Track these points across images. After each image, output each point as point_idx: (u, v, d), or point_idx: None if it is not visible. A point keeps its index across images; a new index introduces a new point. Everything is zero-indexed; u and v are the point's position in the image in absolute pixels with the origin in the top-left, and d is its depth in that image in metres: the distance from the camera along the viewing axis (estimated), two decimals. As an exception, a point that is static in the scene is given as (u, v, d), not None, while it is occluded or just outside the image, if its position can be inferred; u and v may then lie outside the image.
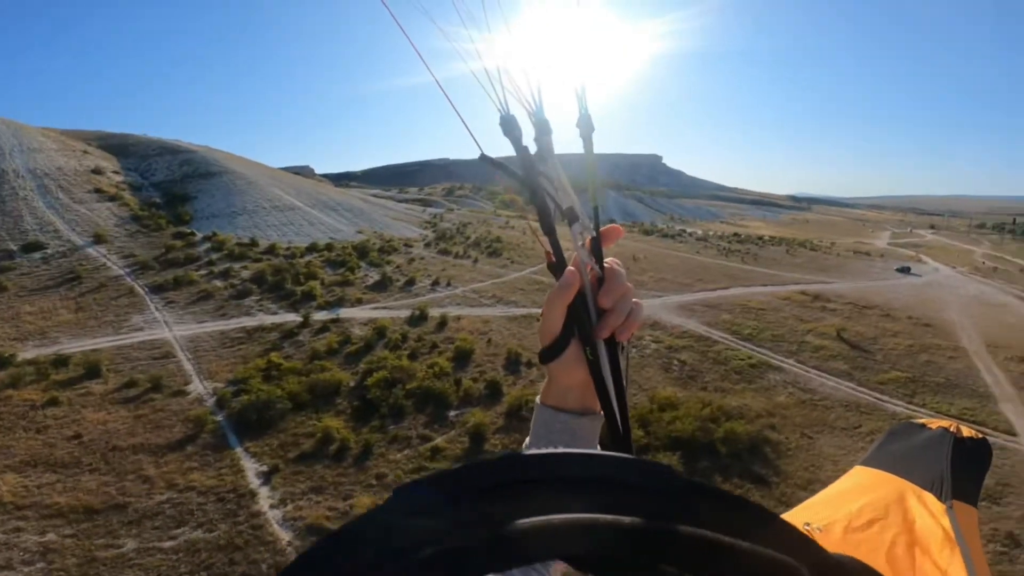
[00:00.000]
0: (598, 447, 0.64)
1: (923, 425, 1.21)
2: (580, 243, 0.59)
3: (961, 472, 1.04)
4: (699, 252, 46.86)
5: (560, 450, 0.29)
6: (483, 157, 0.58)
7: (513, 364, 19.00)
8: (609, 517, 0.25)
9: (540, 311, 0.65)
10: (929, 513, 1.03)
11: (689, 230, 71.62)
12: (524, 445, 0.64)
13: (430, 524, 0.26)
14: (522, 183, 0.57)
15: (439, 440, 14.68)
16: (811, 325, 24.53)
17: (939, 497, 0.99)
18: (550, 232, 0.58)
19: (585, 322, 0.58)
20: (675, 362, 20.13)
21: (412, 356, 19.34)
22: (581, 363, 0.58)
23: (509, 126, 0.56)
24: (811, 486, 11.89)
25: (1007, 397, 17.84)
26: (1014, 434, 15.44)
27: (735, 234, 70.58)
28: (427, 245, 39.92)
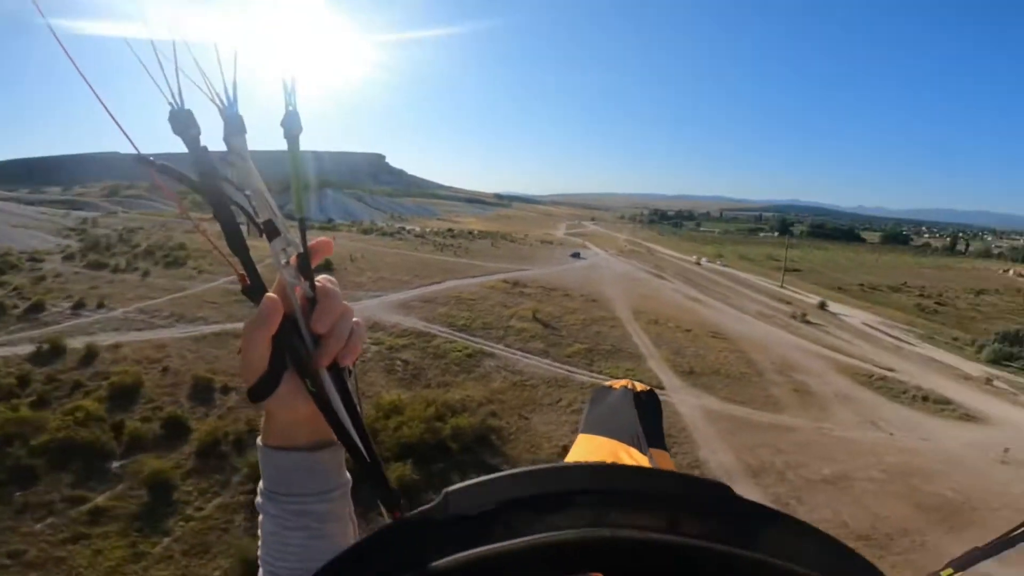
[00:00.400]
0: (348, 476, 0.58)
1: (610, 387, 1.30)
2: (284, 261, 0.51)
3: (646, 422, 1.12)
4: (417, 249, 48.09)
5: (613, 464, 0.29)
6: (140, 158, 0.46)
7: (202, 393, 15.48)
8: (656, 536, 0.24)
9: (240, 327, 0.55)
10: (636, 463, 1.10)
11: (408, 227, 73.57)
12: (259, 489, 0.56)
13: (467, 530, 0.25)
14: (200, 192, 0.47)
15: (100, 499, 11.09)
16: (513, 310, 27.40)
17: (640, 450, 1.04)
18: (240, 250, 0.49)
19: (300, 352, 0.51)
20: (398, 362, 19.68)
21: (40, 403, 13.95)
22: (303, 395, 0.52)
23: (182, 123, 0.45)
24: (538, 465, 12.83)
25: (652, 356, 23.18)
26: (663, 388, 19.68)
27: (449, 230, 75.40)
28: (68, 258, 30.05)
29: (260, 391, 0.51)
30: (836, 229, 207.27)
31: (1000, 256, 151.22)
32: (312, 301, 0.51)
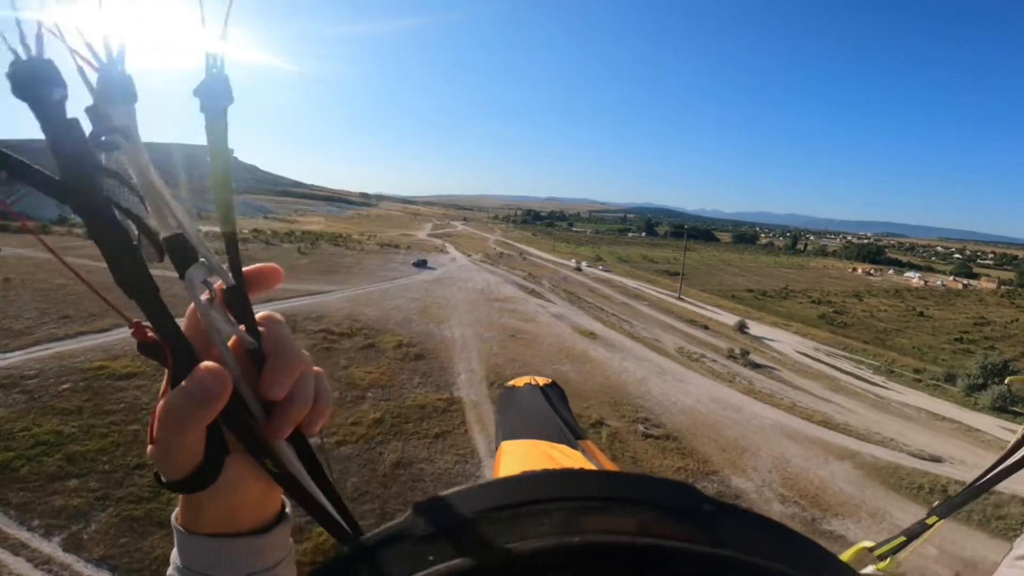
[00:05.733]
0: (291, 542, 0.46)
1: (513, 387, 1.24)
2: (206, 297, 0.34)
3: (562, 415, 1.09)
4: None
5: (581, 469, 0.27)
6: None
7: None
8: (627, 539, 0.24)
9: None
10: (572, 460, 1.09)
11: (203, 229, 53.13)
12: (178, 566, 0.42)
13: (438, 544, 0.25)
14: (62, 195, 0.27)
15: None
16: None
17: (569, 444, 1.02)
18: (139, 286, 0.30)
19: (251, 429, 0.36)
20: None
21: None
22: (251, 478, 0.39)
23: (32, 79, 0.26)
24: None
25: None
26: None
27: (255, 230, 55.89)
28: None
29: (194, 484, 0.37)
30: (695, 230, 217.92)
31: (835, 254, 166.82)
32: (255, 354, 0.37)
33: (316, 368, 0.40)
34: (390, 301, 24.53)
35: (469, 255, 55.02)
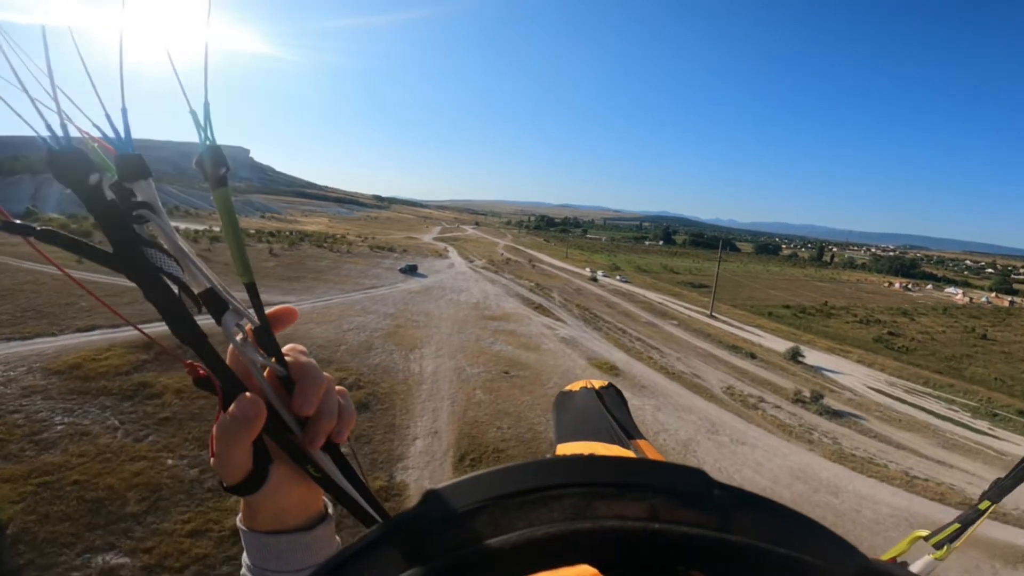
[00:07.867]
0: (338, 539, 0.53)
1: (569, 391, 1.25)
2: (240, 337, 0.41)
3: (616, 416, 1.10)
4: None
5: (589, 455, 0.29)
6: (7, 226, 0.30)
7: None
8: (638, 524, 0.24)
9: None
10: None
11: (195, 228, 49.07)
12: (246, 564, 0.51)
13: (451, 531, 0.25)
14: (117, 266, 0.32)
15: None
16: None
17: (622, 445, 1.02)
18: (191, 336, 0.35)
19: (291, 442, 0.44)
20: None
21: None
22: (295, 482, 0.47)
23: (70, 165, 0.29)
24: None
25: None
26: None
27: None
28: None
29: (247, 488, 0.45)
30: (714, 239, 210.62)
31: (864, 267, 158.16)
32: (285, 380, 0.44)
33: (339, 387, 0.48)
34: (353, 318, 19.19)
35: (471, 261, 49.72)
